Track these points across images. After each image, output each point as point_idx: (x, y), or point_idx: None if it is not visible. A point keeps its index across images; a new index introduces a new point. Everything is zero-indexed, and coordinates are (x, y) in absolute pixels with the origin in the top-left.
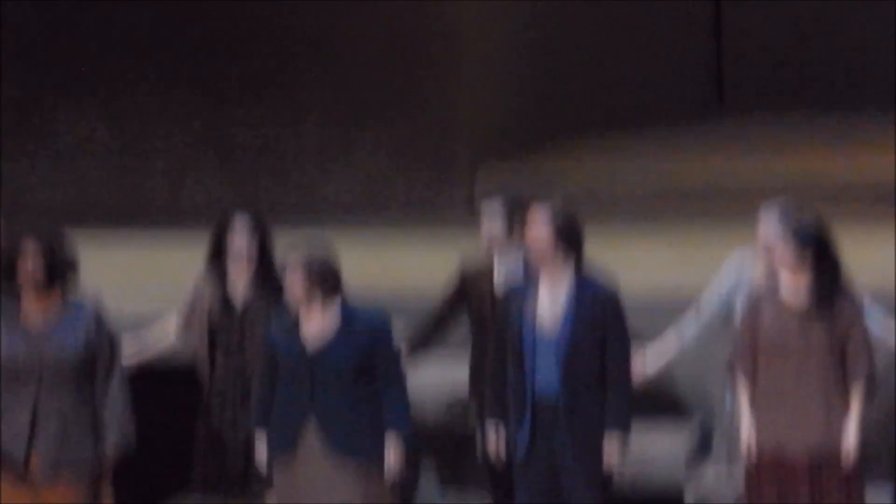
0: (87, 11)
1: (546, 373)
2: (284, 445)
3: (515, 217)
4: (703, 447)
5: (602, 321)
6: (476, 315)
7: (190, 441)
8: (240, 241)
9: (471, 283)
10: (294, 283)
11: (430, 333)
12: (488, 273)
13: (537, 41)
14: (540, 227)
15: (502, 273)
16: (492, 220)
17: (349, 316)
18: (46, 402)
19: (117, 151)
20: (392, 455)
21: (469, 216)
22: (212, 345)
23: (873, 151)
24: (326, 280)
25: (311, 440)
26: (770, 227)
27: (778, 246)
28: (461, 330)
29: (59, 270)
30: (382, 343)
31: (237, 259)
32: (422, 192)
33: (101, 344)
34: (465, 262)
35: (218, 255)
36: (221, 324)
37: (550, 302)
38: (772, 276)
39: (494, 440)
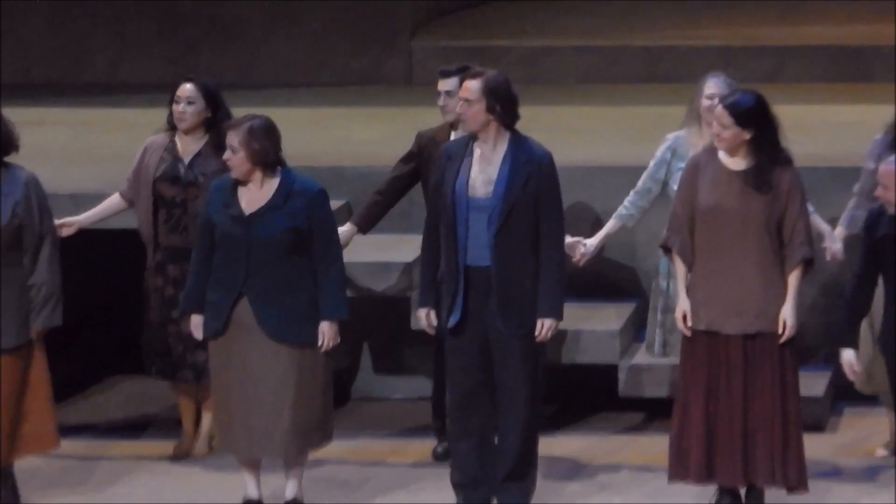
0: None
1: (478, 240)
2: (219, 324)
3: (478, 98)
4: (638, 326)
5: (535, 188)
6: (425, 179)
7: (136, 316)
8: (185, 104)
9: (427, 150)
10: (234, 157)
11: (379, 203)
12: (443, 142)
13: None
14: (473, 93)
15: (448, 143)
16: (450, 98)
17: (286, 186)
18: None
19: (58, 23)
20: (327, 340)
21: (408, 88)
22: (156, 217)
23: (815, 21)
24: (266, 152)
25: (245, 319)
26: (713, 92)
27: (717, 119)
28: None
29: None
30: (319, 214)
31: (184, 122)
32: (359, 63)
33: (30, 215)
34: (423, 132)
35: (170, 125)
36: (165, 192)
37: (483, 168)
38: (711, 146)
39: (428, 323)
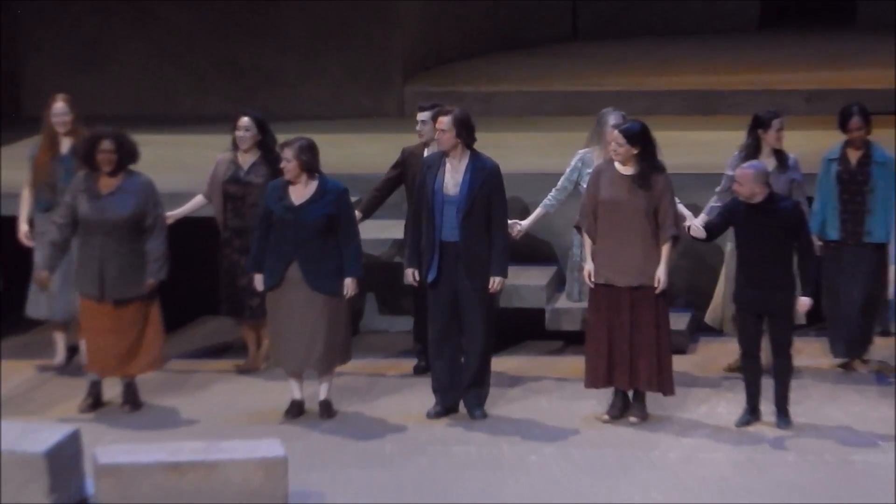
0: None
1: (450, 223)
2: (275, 280)
3: (438, 116)
4: (559, 281)
5: (488, 188)
6: (411, 183)
7: (214, 276)
8: (243, 132)
9: (409, 160)
10: (288, 165)
11: (377, 197)
12: (420, 154)
13: None
14: (446, 125)
15: (427, 156)
16: (425, 125)
17: (322, 186)
18: (113, 249)
19: (158, 76)
20: (349, 290)
21: (403, 121)
22: (227, 207)
23: (680, 73)
24: (310, 163)
25: (294, 277)
26: (608, 126)
27: (613, 139)
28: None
29: (125, 157)
30: (344, 205)
31: (243, 145)
32: (363, 103)
33: (148, 207)
34: (407, 148)
35: (234, 146)
36: (233, 191)
37: (453, 174)
38: (610, 158)
39: (414, 280)
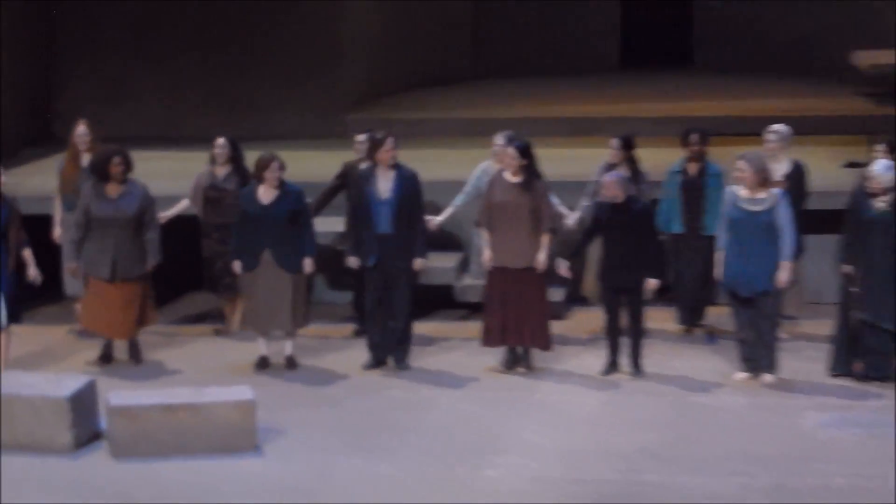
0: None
1: (386, 221)
2: (252, 264)
3: (374, 143)
4: (465, 264)
5: (411, 193)
6: (350, 189)
7: (198, 260)
8: (220, 150)
9: (349, 172)
10: (269, 176)
11: (324, 198)
12: (356, 167)
13: (388, 31)
14: (388, 147)
15: (362, 168)
16: (361, 144)
17: (284, 189)
18: (122, 241)
19: (164, 104)
20: (308, 268)
21: (345, 140)
22: (207, 208)
23: (558, 103)
24: (277, 173)
25: (267, 260)
26: (501, 141)
27: (506, 154)
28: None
29: (128, 169)
30: (302, 203)
31: (219, 160)
32: (319, 127)
33: (146, 207)
34: (347, 162)
35: (212, 160)
36: (212, 196)
37: (384, 183)
38: (502, 169)
39: (355, 264)
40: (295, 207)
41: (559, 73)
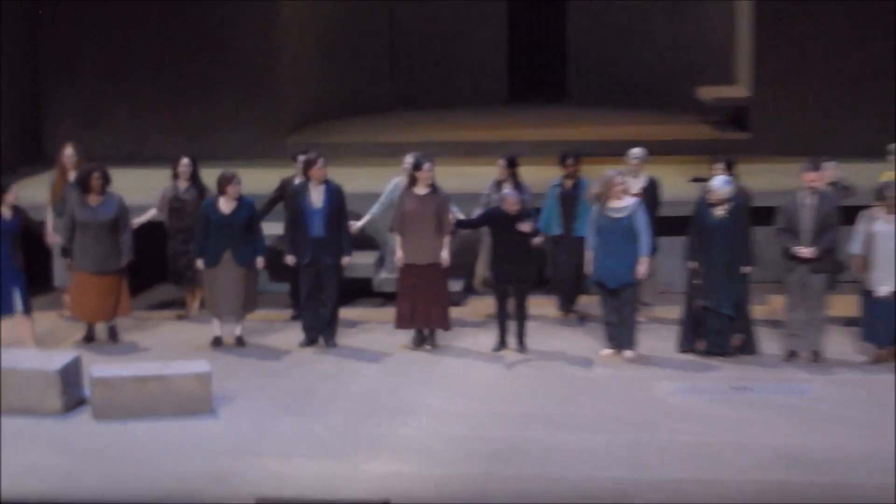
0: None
1: (317, 226)
2: (214, 262)
3: (308, 162)
4: (381, 261)
5: (338, 203)
6: (288, 200)
7: (163, 258)
8: (183, 167)
9: (286, 186)
10: (230, 191)
11: (266, 207)
12: (292, 182)
13: (320, 68)
14: (320, 166)
15: (297, 183)
16: (298, 164)
17: (241, 202)
18: (101, 241)
19: (134, 127)
20: (261, 264)
21: (286, 160)
22: (171, 215)
23: (458, 130)
24: (237, 188)
25: (227, 258)
26: (411, 161)
27: (425, 170)
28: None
29: (106, 183)
30: (254, 212)
31: (182, 176)
32: (262, 148)
33: (121, 214)
34: (285, 178)
35: (175, 175)
36: (176, 206)
37: (316, 195)
38: (410, 183)
39: (293, 261)
40: (250, 215)
41: (459, 105)
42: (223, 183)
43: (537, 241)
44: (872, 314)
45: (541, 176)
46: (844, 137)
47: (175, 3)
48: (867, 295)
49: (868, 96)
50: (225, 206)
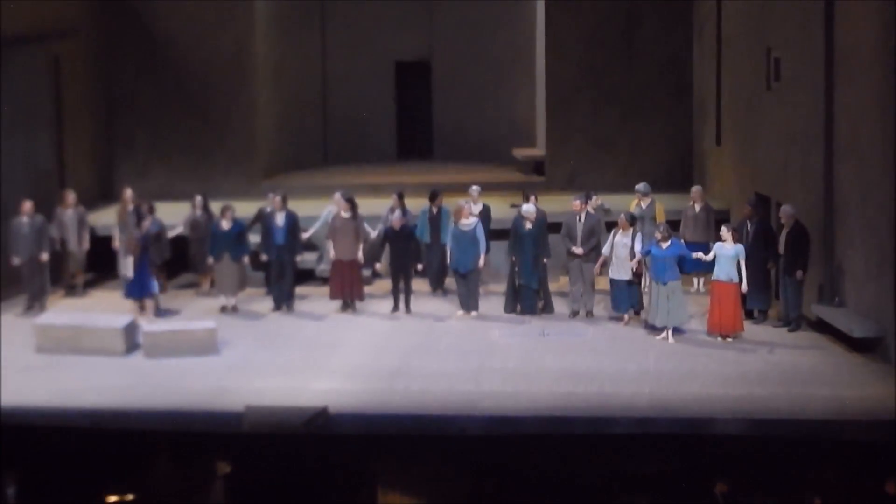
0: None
1: (280, 236)
2: (218, 259)
3: (275, 199)
4: (320, 258)
5: (293, 222)
6: (263, 221)
7: (186, 257)
8: (198, 201)
9: (262, 212)
10: (227, 215)
11: (250, 226)
12: (265, 210)
13: (281, 133)
14: (280, 199)
15: (268, 211)
16: (269, 200)
17: (235, 223)
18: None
19: (167, 178)
20: (245, 260)
21: (261, 199)
22: (191, 231)
23: (365, 177)
24: (231, 213)
25: (226, 257)
26: (338, 196)
27: (340, 201)
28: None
29: (151, 211)
30: (242, 229)
31: (197, 206)
32: (242, 187)
33: (160, 231)
34: (261, 207)
35: (193, 206)
36: (194, 225)
37: (280, 217)
38: (338, 210)
39: (266, 258)
40: (239, 230)
41: (366, 161)
42: (223, 211)
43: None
44: (615, 292)
45: (418, 205)
46: (605, 179)
47: (186, 94)
48: (612, 280)
49: (622, 156)
50: (225, 224)
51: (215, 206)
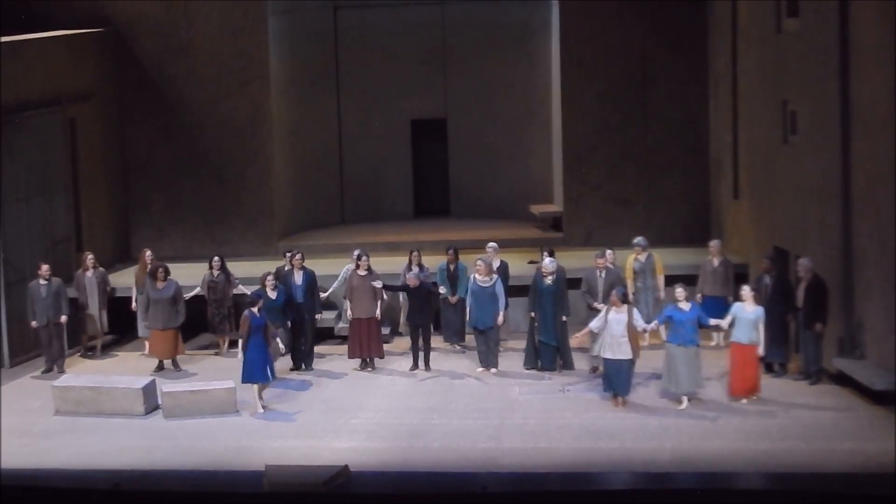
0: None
1: (299, 295)
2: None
3: (291, 256)
4: (339, 317)
5: (311, 281)
6: (281, 281)
7: (205, 317)
8: (215, 262)
9: (279, 271)
10: (268, 283)
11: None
12: (283, 269)
13: (297, 197)
14: (299, 258)
15: (286, 270)
16: (285, 259)
17: (279, 291)
18: (165, 309)
19: (184, 241)
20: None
21: (279, 257)
22: (208, 292)
23: (384, 236)
24: (273, 283)
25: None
26: (356, 254)
27: (362, 260)
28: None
29: (167, 273)
30: (289, 298)
31: (214, 268)
32: (258, 248)
33: (177, 293)
34: (278, 267)
35: (210, 266)
36: (212, 286)
37: (299, 276)
38: (355, 268)
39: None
40: (287, 299)
41: (382, 220)
42: (265, 279)
43: (453, 299)
44: (610, 373)
45: (435, 261)
46: (623, 235)
47: (202, 156)
48: (606, 361)
49: (639, 212)
50: (272, 294)
51: (231, 267)
